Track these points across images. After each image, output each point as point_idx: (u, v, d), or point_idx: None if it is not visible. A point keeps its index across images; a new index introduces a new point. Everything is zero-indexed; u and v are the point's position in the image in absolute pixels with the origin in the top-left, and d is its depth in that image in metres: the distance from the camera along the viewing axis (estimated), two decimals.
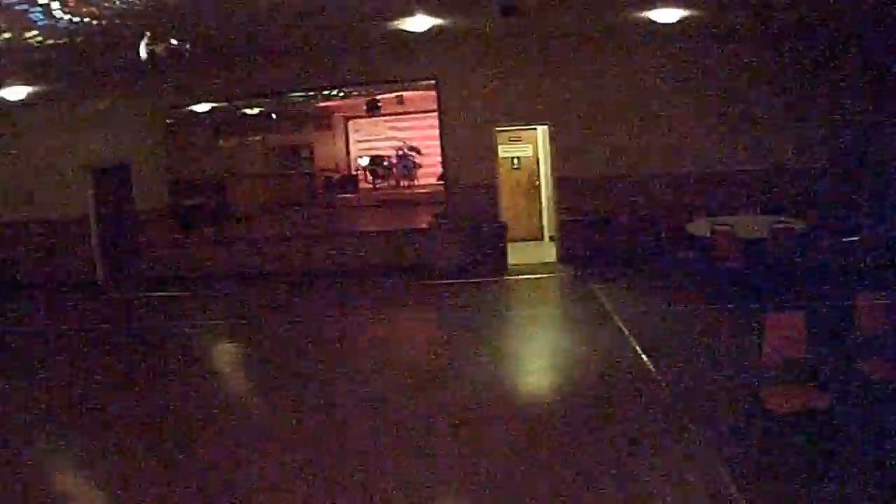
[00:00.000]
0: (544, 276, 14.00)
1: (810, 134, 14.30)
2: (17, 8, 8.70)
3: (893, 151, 14.11)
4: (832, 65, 14.18)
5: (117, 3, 9.09)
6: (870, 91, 14.10)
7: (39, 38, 10.26)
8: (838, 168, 14.32)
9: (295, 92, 15.67)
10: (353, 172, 17.67)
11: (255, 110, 16.41)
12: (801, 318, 6.78)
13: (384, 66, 14.46)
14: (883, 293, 7.31)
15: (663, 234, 13.32)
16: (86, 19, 9.63)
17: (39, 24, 9.46)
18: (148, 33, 9.25)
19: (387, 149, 17.29)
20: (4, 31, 9.64)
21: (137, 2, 9.15)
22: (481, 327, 10.94)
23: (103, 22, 9.83)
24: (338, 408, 8.04)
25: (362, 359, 9.90)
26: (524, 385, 8.82)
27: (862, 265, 11.65)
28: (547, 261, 14.86)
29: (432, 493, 6.14)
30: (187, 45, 9.68)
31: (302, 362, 9.88)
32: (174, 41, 9.28)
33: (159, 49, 9.34)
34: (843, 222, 13.22)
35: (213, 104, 15.87)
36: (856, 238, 12.36)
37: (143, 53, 9.40)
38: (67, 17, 9.39)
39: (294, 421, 7.78)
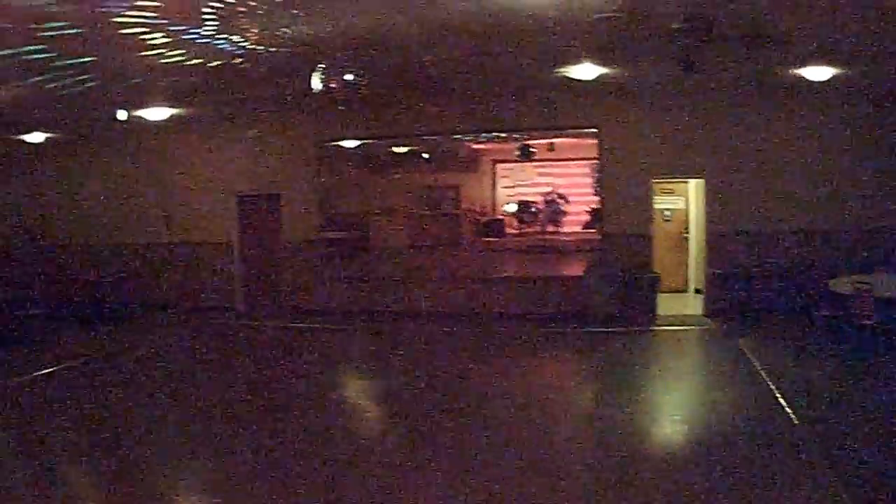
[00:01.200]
0: (691, 328, 13.96)
1: None
2: (179, 29, 9.00)
3: None
4: None
5: (292, 30, 9.34)
6: None
7: (198, 60, 10.49)
8: None
9: (451, 134, 16.01)
10: (499, 217, 17.91)
11: (406, 149, 16.92)
12: None
13: (544, 112, 14.75)
14: None
15: (808, 291, 13.31)
16: (252, 45, 9.92)
17: (199, 42, 9.62)
18: (324, 65, 9.48)
19: (533, 194, 17.59)
20: (171, 52, 9.93)
21: (312, 33, 9.46)
22: (635, 378, 11.01)
23: (269, 49, 10.14)
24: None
25: (509, 408, 9.57)
26: (685, 443, 8.49)
27: None
28: (693, 313, 14.87)
29: None
30: (363, 80, 9.76)
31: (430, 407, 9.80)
32: (350, 75, 9.51)
33: (334, 82, 9.62)
34: None
35: (366, 140, 16.29)
36: None
37: (316, 85, 9.59)
38: (234, 39, 9.64)
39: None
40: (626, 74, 12.53)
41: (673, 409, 9.73)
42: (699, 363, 12.46)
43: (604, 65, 11.74)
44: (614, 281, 14.21)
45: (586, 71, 11.94)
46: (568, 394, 10.77)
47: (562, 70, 12.11)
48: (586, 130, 15.02)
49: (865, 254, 14.08)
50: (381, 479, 7.19)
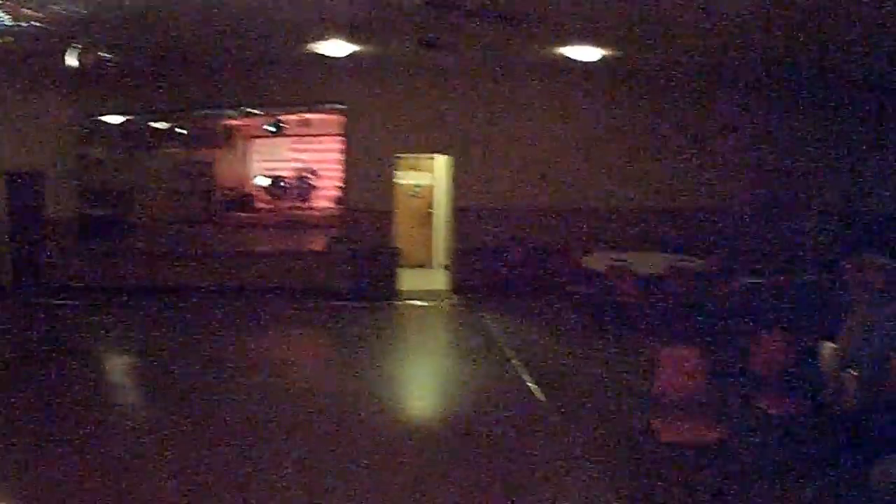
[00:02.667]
0: (433, 303, 14.18)
1: (724, 173, 15.10)
2: None
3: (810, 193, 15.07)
4: (747, 102, 15.06)
5: (53, 8, 8.81)
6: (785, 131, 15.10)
7: None
8: (754, 208, 15.08)
9: (205, 108, 15.39)
10: (250, 192, 17.47)
11: (165, 125, 16.21)
12: (697, 353, 7.05)
13: (294, 89, 14.45)
14: (778, 333, 7.66)
15: (558, 267, 13.65)
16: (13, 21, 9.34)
17: None
18: (76, 42, 9.11)
19: (286, 170, 17.22)
20: None
21: (69, 10, 8.86)
22: (370, 353, 10.95)
23: (30, 23, 9.49)
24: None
25: (247, 380, 9.61)
26: (420, 413, 8.91)
27: (765, 306, 11.82)
28: (437, 288, 15.07)
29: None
30: (116, 58, 9.81)
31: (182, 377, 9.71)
32: (103, 52, 9.24)
33: (87, 59, 9.27)
34: (751, 263, 13.76)
35: (128, 116, 15.46)
36: (758, 281, 12.61)
37: (70, 62, 9.33)
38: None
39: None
40: (373, 51, 12.45)
41: (407, 383, 9.98)
42: (438, 339, 12.67)
43: (352, 42, 11.63)
44: (355, 256, 14.19)
45: (336, 48, 11.81)
46: (306, 369, 10.81)
47: (312, 46, 11.89)
48: (335, 106, 14.74)
49: (629, 233, 14.75)
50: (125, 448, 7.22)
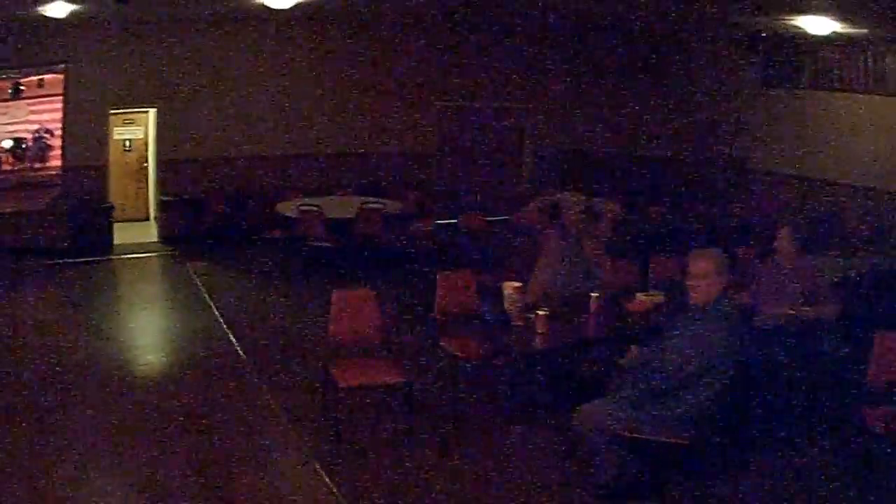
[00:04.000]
0: (145, 255, 14.27)
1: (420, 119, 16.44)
2: None
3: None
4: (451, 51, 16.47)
5: None
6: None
7: None
8: (447, 153, 16.53)
9: None
10: None
11: None
12: (373, 295, 7.18)
13: (26, 51, 14.21)
14: (463, 274, 8.03)
15: (257, 214, 14.27)
16: None
17: None
18: None
19: (26, 131, 17.56)
20: None
21: None
22: (83, 308, 11.00)
23: None
24: None
25: None
26: (131, 369, 8.80)
27: (454, 248, 12.59)
28: (150, 241, 15.20)
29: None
30: None
31: None
32: None
33: None
34: (447, 205, 14.93)
35: None
36: (449, 221, 13.56)
37: None
38: None
39: None
40: (88, 11, 12.48)
41: (117, 338, 9.87)
42: (147, 292, 12.71)
43: (71, 2, 11.62)
44: (72, 212, 14.19)
45: (58, 9, 11.84)
46: (25, 327, 10.25)
47: (40, 9, 11.87)
48: (60, 67, 14.72)
49: (326, 178, 15.71)
50: None
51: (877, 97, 13.83)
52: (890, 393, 5.82)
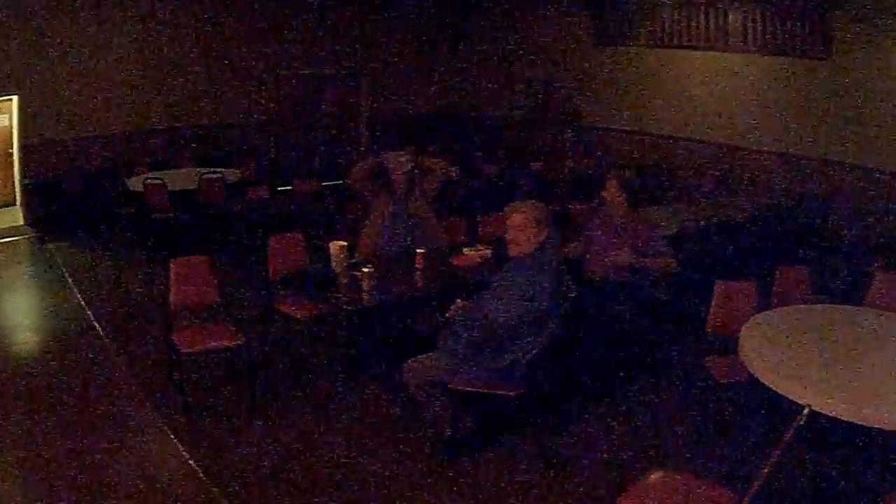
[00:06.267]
0: (10, 240, 14.19)
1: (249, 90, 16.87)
2: None
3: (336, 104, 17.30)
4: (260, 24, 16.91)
5: None
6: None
7: None
8: (285, 122, 17.01)
9: None
10: None
11: None
12: (207, 262, 7.28)
13: None
14: (290, 237, 8.19)
15: (111, 192, 14.35)
16: None
17: None
18: None
19: None
20: None
21: None
22: None
23: None
24: None
25: None
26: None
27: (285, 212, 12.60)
28: (16, 224, 15.17)
29: None
30: None
31: None
32: None
33: None
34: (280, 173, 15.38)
35: None
36: (288, 188, 13.98)
37: None
38: None
39: None
40: None
41: None
42: (12, 273, 12.52)
43: None
44: None
45: None
46: None
47: None
48: None
49: (160, 151, 16.03)
50: None
51: (716, 53, 14.42)
52: (728, 341, 5.92)
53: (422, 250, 7.28)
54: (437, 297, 6.80)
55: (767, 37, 13.45)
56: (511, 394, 5.59)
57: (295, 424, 6.62)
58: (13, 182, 16.63)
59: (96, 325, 9.32)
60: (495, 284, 5.78)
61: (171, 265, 7.15)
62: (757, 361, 4.92)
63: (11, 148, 16.53)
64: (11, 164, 16.63)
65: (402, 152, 8.16)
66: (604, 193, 7.60)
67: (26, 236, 14.55)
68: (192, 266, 7.24)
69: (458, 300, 5.94)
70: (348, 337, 7.97)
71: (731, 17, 14.03)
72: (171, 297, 7.07)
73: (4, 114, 16.42)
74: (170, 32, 16.22)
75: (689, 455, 6.01)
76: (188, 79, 16.49)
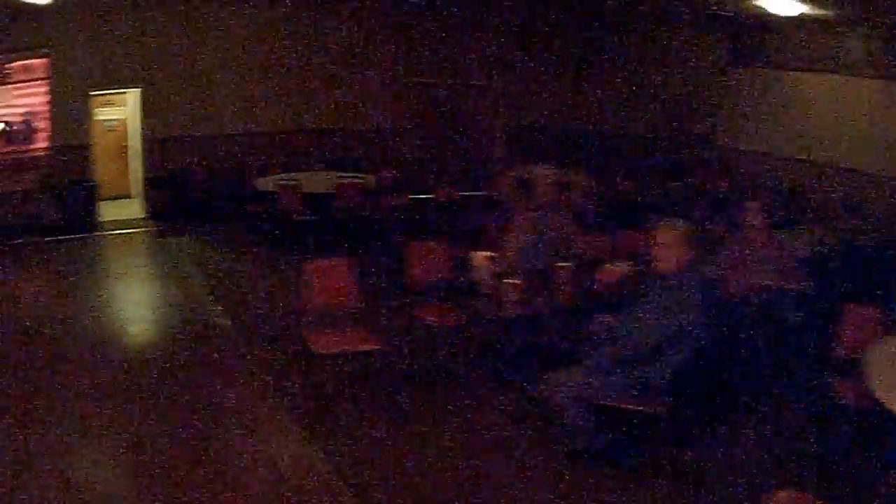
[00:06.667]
0: (132, 231, 14.54)
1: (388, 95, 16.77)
2: None
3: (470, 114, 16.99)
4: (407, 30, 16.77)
5: None
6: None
7: None
8: (421, 128, 16.82)
9: None
10: None
11: None
12: (348, 265, 7.27)
13: (10, 37, 14.35)
14: (435, 245, 8.12)
15: (236, 190, 14.49)
16: None
17: None
18: None
19: (14, 115, 17.72)
20: None
21: None
22: (73, 282, 11.20)
23: None
24: None
25: None
26: (120, 333, 9.18)
27: (427, 220, 12.76)
28: (135, 217, 15.49)
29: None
30: None
31: None
32: None
33: None
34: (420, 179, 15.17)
35: None
36: (427, 196, 13.82)
37: None
38: None
39: None
40: None
41: (110, 312, 10.07)
42: (135, 264, 12.95)
43: None
44: (59, 191, 14.43)
45: None
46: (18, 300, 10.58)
47: None
48: (40, 51, 14.90)
49: (294, 152, 15.95)
50: None
51: (851, 77, 14.20)
52: (856, 365, 5.76)
53: (565, 264, 7.28)
54: (579, 312, 6.77)
55: None
56: (654, 410, 5.55)
57: (429, 432, 6.53)
58: (132, 174, 16.95)
59: (219, 320, 9.36)
60: (640, 301, 5.75)
61: (308, 266, 7.18)
62: (881, 385, 4.88)
63: (128, 141, 16.96)
64: (128, 156, 17.05)
65: (546, 166, 8.19)
66: (744, 216, 7.70)
67: (146, 229, 14.80)
68: (330, 268, 7.27)
69: (603, 315, 5.95)
70: (488, 347, 7.86)
71: (868, 42, 13.89)
72: (307, 298, 7.11)
73: (121, 107, 16.76)
74: (303, 34, 16.34)
75: (814, 477, 5.86)
76: (320, 82, 16.53)
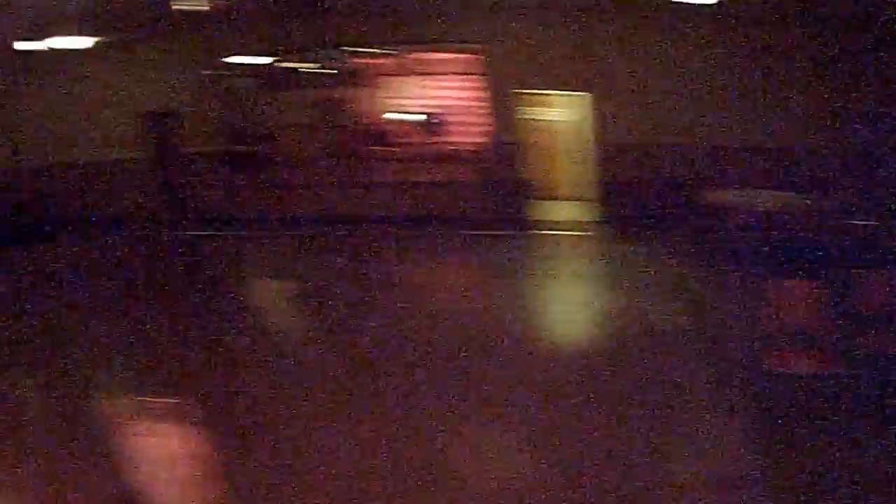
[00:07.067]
0: (578, 234, 14.65)
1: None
2: None
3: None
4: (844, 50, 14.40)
5: None
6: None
7: None
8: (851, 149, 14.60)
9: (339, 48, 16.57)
10: (388, 128, 18.04)
11: (300, 64, 17.65)
12: (811, 287, 7.08)
13: (429, 28, 15.06)
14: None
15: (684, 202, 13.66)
16: None
17: None
18: None
19: (420, 107, 17.73)
20: None
21: None
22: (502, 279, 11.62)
23: None
24: None
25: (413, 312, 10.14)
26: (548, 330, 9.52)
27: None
28: (586, 220, 15.36)
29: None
30: None
31: None
32: None
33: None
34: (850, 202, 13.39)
35: (261, 57, 17.00)
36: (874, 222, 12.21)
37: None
38: None
39: None
40: None
41: (555, 311, 10.44)
42: (579, 268, 12.91)
43: None
44: (495, 188, 14.85)
45: None
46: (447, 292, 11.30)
47: None
48: (473, 45, 15.35)
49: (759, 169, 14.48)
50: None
51: None
52: None
53: None
54: None
55: None
56: None
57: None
58: (575, 177, 16.83)
59: (666, 327, 9.06)
60: None
61: (772, 284, 7.24)
62: None
63: (577, 143, 16.82)
64: (576, 159, 16.86)
65: None
66: None
67: (598, 234, 14.71)
68: (795, 289, 7.17)
69: None
70: None
71: None
72: (769, 315, 7.06)
73: (564, 108, 16.66)
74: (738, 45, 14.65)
75: None
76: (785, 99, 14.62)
